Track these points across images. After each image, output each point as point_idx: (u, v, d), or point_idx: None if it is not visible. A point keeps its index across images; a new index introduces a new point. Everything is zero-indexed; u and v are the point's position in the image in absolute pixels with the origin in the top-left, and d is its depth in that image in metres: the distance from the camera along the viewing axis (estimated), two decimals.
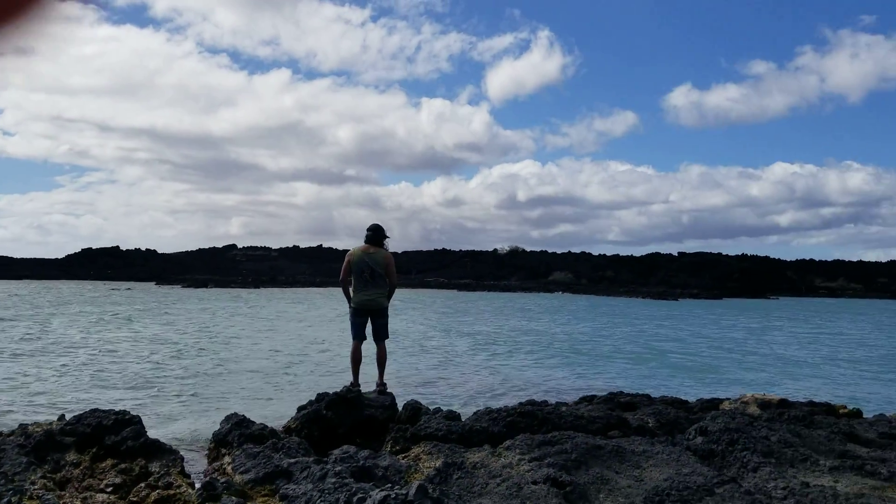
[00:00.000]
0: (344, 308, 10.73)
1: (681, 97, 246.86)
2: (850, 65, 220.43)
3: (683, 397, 13.13)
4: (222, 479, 6.22)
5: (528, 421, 8.46)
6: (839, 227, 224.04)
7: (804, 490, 6.29)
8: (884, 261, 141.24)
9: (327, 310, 47.32)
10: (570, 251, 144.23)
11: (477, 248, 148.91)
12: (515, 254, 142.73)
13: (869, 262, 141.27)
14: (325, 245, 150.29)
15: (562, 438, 6.91)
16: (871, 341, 33.65)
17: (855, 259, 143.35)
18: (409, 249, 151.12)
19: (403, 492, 4.73)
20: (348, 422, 8.91)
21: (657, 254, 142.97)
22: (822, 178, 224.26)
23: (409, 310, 49.70)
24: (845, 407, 12.20)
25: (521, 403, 9.77)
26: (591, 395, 12.17)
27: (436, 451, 7.40)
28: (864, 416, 11.92)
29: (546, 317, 47.22)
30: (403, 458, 7.30)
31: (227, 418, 8.50)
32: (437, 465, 6.51)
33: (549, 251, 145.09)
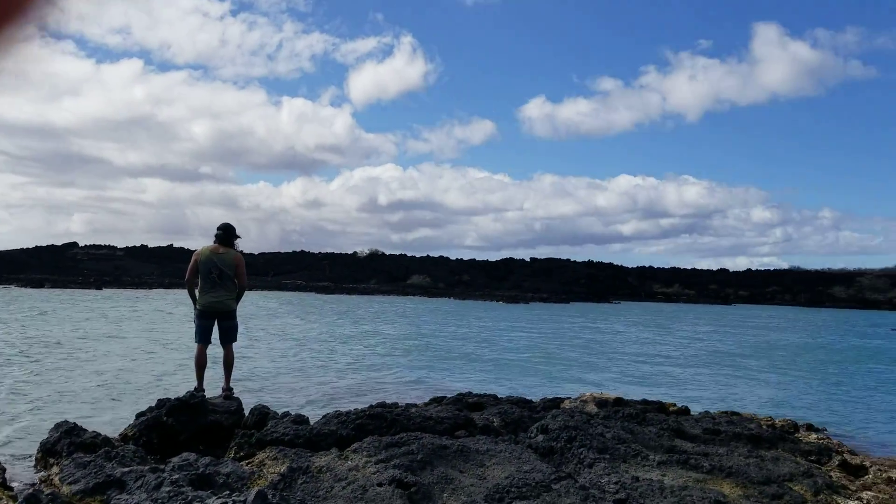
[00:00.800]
0: (190, 310, 10.30)
1: (535, 109, 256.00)
2: (688, 85, 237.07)
3: (530, 397, 13.63)
4: (47, 491, 5.81)
5: (378, 423, 8.49)
6: (676, 236, 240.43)
7: (634, 484, 6.69)
8: (714, 269, 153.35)
9: (174, 312, 45.27)
10: (428, 255, 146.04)
11: (337, 251, 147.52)
12: (375, 257, 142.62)
13: (701, 269, 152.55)
14: (177, 245, 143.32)
15: (409, 440, 6.98)
16: (705, 343, 36.27)
17: (689, 267, 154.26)
18: (267, 251, 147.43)
19: (242, 499, 4.61)
20: (191, 428, 8.57)
21: (511, 259, 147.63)
22: (662, 191, 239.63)
23: (262, 312, 48.46)
24: (675, 405, 13.10)
25: (371, 406, 9.79)
26: (442, 396, 12.37)
27: (281, 456, 7.27)
28: (692, 413, 12.85)
29: (403, 319, 47.52)
30: (247, 465, 7.12)
31: (57, 426, 7.97)
32: (282, 470, 6.40)
33: (409, 255, 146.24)
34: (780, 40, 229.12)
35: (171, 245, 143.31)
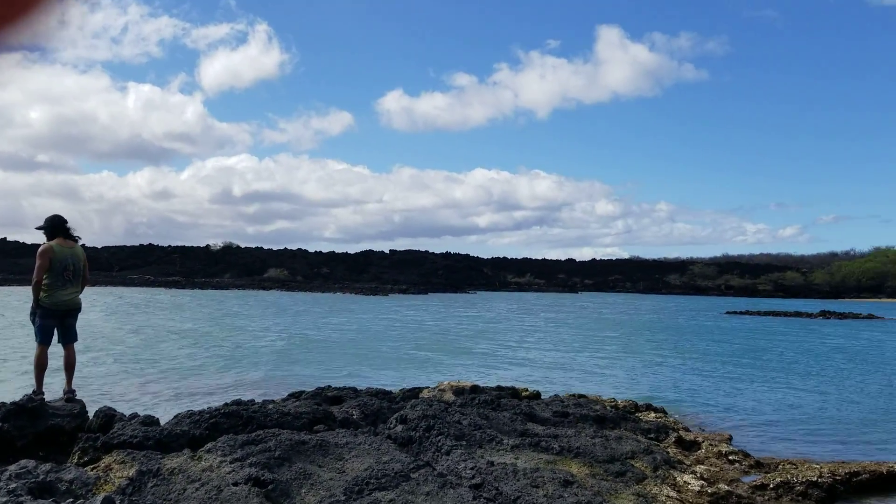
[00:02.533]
0: (22, 308, 9.59)
1: (393, 102, 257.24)
2: (539, 83, 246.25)
3: (390, 388, 13.74)
4: None
5: (233, 421, 8.28)
6: (528, 228, 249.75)
7: (490, 468, 6.93)
8: (563, 259, 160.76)
9: (8, 311, 41.87)
10: (286, 248, 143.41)
11: (188, 244, 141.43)
12: (229, 250, 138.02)
13: (551, 260, 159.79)
14: (11, 238, 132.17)
15: (266, 437, 6.87)
16: (556, 329, 37.86)
17: (540, 257, 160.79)
18: (112, 244, 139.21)
19: None
20: (29, 433, 8.00)
21: (370, 251, 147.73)
22: (515, 185, 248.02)
23: (107, 309, 45.77)
24: (527, 389, 13.64)
25: (226, 404, 9.52)
26: (300, 391, 12.23)
27: (130, 459, 6.94)
28: (543, 397, 13.43)
29: (261, 313, 46.37)
30: (92, 470, 6.74)
31: None
32: (131, 474, 6.12)
33: (265, 248, 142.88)
34: (621, 43, 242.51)
35: (6, 238, 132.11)
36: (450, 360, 22.54)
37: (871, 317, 57.64)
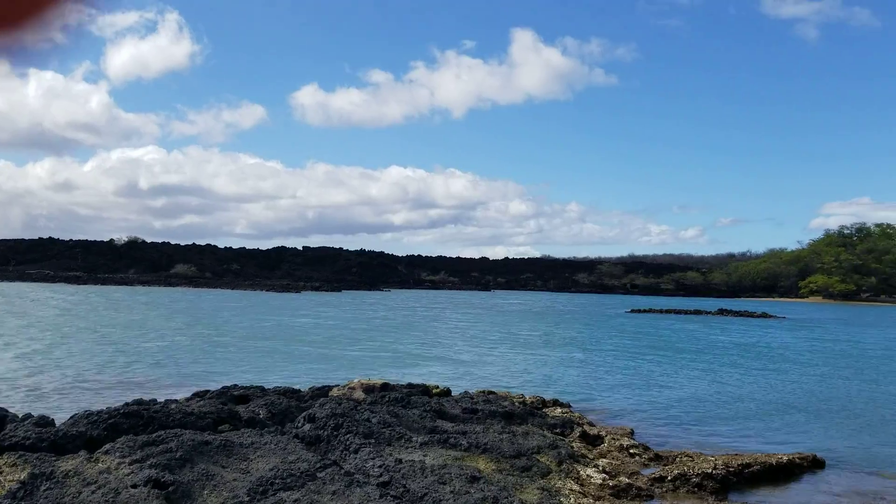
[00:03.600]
0: None
1: (308, 96, 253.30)
2: (454, 83, 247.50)
3: (299, 386, 13.56)
4: None
5: (133, 421, 8.01)
6: (443, 226, 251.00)
7: (398, 466, 6.96)
8: (476, 257, 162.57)
9: None
10: (194, 243, 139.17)
11: (91, 238, 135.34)
12: (134, 245, 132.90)
13: (465, 258, 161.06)
14: None
15: (168, 437, 6.68)
16: (471, 328, 38.21)
17: (454, 256, 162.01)
18: (8, 237, 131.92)
19: None
20: None
21: (283, 248, 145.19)
22: (431, 183, 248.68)
23: (2, 307, 43.41)
24: (438, 386, 13.74)
25: (126, 404, 9.20)
26: (205, 390, 11.94)
27: (21, 461, 6.63)
28: (453, 393, 13.56)
29: (166, 310, 44.93)
30: None
31: None
32: (22, 477, 5.84)
33: (172, 243, 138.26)
34: (534, 46, 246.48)
35: None
36: (362, 358, 22.44)
37: (764, 315, 60.65)
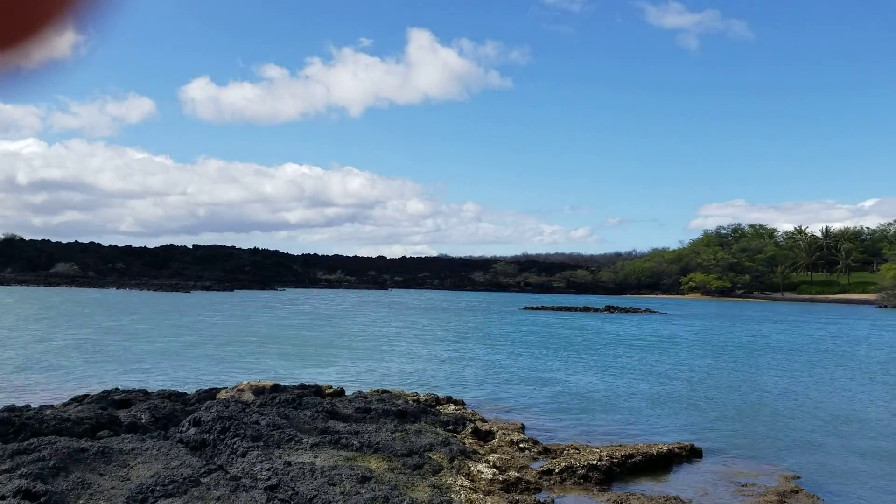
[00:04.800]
0: None
1: (198, 90, 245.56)
2: (352, 80, 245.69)
3: (186, 389, 13.12)
4: None
5: (3, 429, 7.53)
6: (340, 225, 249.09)
7: (287, 469, 6.84)
8: (374, 256, 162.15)
9: None
10: (77, 241, 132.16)
11: None
12: (11, 242, 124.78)
13: (362, 257, 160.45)
14: None
15: (40, 445, 6.32)
16: (368, 327, 37.97)
17: (351, 254, 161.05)
18: None
19: None
20: None
21: (172, 246, 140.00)
22: (328, 181, 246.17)
23: None
24: (331, 386, 13.60)
25: None
26: (84, 395, 11.36)
27: None
28: (347, 393, 13.46)
29: (43, 310, 42.42)
30: None
31: None
32: None
33: (53, 241, 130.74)
34: (431, 46, 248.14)
35: None
36: (253, 359, 21.94)
37: (648, 311, 63.29)
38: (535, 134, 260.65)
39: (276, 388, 11.57)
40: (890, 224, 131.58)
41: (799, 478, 9.80)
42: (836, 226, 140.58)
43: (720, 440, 12.11)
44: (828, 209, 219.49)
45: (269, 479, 6.38)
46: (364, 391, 13.55)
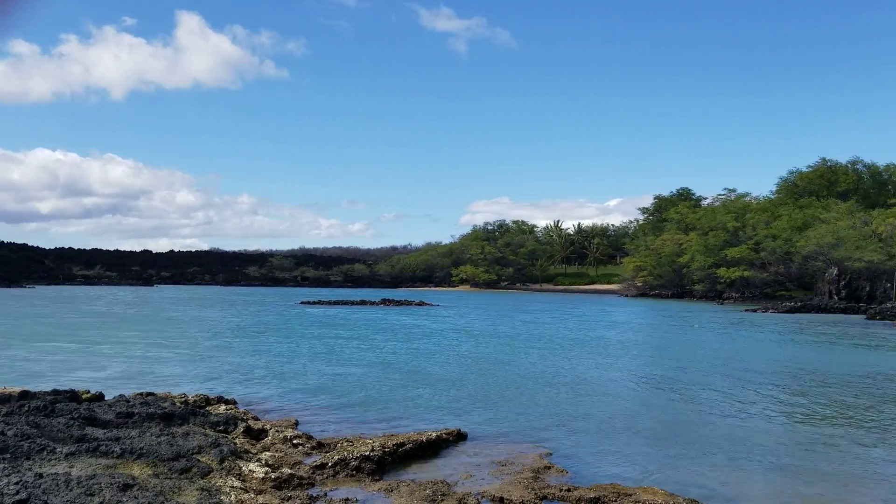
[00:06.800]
0: None
1: None
2: (114, 61, 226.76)
3: None
4: None
5: None
6: (99, 216, 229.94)
7: (38, 481, 6.37)
8: (138, 250, 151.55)
9: None
10: None
11: None
12: None
13: (125, 251, 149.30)
14: None
15: None
16: (126, 326, 35.53)
17: (112, 248, 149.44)
18: None
19: None
20: None
21: None
22: (86, 168, 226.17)
23: None
24: (89, 391, 12.71)
25: None
26: None
27: None
28: (107, 398, 12.64)
29: None
30: None
31: None
32: None
33: None
34: (202, 31, 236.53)
35: None
36: None
37: (421, 303, 65.54)
38: (312, 127, 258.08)
39: (24, 394, 10.59)
40: (631, 221, 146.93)
41: (551, 454, 10.82)
42: (587, 222, 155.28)
43: (484, 424, 12.99)
44: (579, 207, 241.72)
45: (17, 493, 5.94)
46: (126, 395, 12.82)
